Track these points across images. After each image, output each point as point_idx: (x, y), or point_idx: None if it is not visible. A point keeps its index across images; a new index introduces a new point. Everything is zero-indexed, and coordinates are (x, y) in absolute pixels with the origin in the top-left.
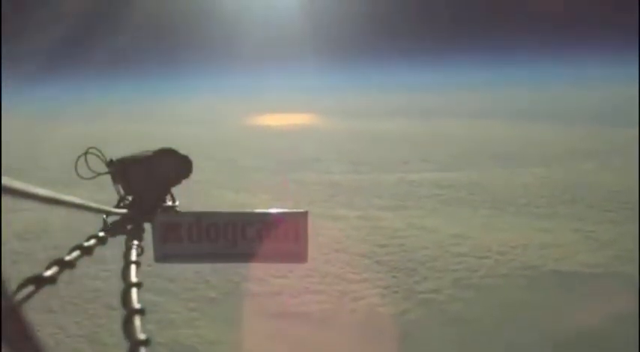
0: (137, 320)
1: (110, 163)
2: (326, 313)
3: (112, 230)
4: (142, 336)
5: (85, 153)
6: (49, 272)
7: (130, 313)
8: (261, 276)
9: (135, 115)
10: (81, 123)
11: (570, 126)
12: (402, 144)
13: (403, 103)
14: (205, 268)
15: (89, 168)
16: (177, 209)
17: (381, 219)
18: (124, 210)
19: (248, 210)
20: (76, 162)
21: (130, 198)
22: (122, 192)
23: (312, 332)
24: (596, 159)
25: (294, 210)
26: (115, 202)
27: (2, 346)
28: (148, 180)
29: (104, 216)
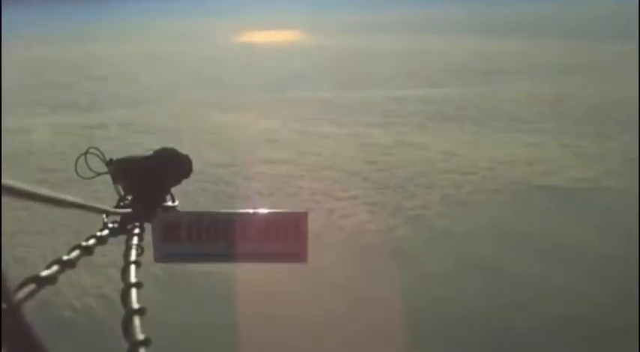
0: (137, 320)
1: (110, 163)
2: (314, 231)
3: (112, 230)
4: (141, 336)
5: (85, 153)
6: (49, 272)
7: (129, 313)
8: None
9: (120, 35)
10: (68, 44)
11: (556, 40)
12: (388, 60)
13: (390, 19)
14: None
15: (89, 168)
16: (177, 209)
17: (369, 136)
18: (124, 210)
19: (247, 210)
20: (76, 162)
21: (129, 197)
22: (122, 192)
23: None
24: (582, 73)
25: (294, 211)
26: (115, 202)
27: (2, 346)
28: (147, 179)
29: (104, 216)
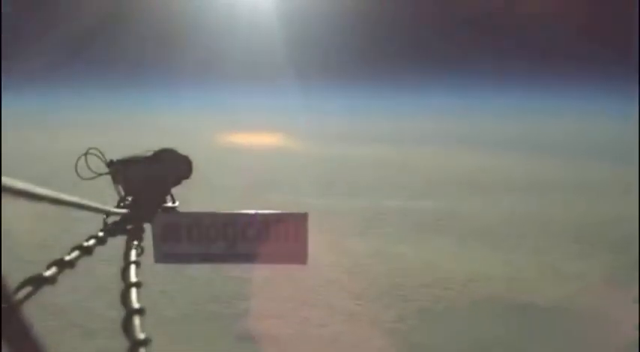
0: (137, 320)
1: (110, 164)
2: (289, 338)
3: (112, 230)
4: (141, 336)
5: (86, 154)
6: (49, 272)
7: (129, 313)
8: (226, 298)
9: (106, 127)
10: (52, 133)
11: (540, 157)
12: (373, 169)
13: (378, 128)
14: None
15: (89, 168)
16: (177, 209)
17: (348, 245)
18: (124, 210)
19: (247, 211)
20: (77, 162)
21: (130, 198)
22: (122, 192)
23: None
24: (563, 191)
25: (294, 211)
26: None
27: (2, 346)
28: (147, 180)
29: (104, 216)
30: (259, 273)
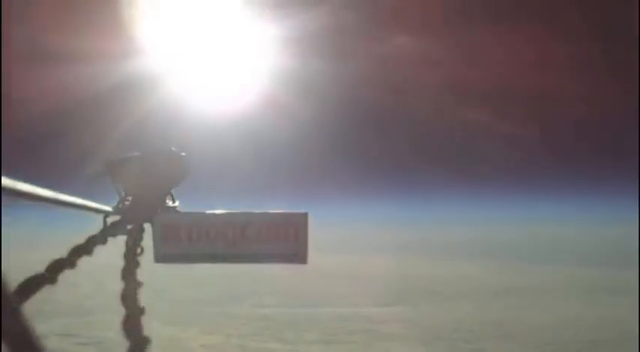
0: (137, 320)
1: (110, 164)
2: None
3: (112, 230)
4: (141, 336)
5: (85, 154)
6: (48, 273)
7: (130, 313)
8: None
9: (64, 241)
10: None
11: (500, 263)
12: (334, 277)
13: (338, 238)
14: None
15: (89, 168)
16: (177, 209)
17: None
18: (124, 210)
19: (247, 211)
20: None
21: (129, 198)
22: (122, 192)
23: None
24: (523, 295)
25: (294, 211)
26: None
27: (2, 346)
28: (148, 180)
29: (104, 216)
30: None
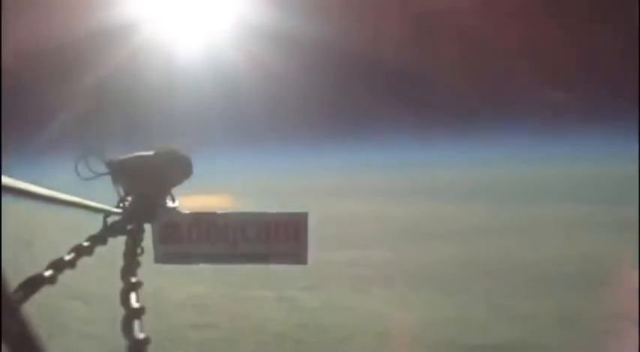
0: (137, 320)
1: (110, 164)
2: None
3: (112, 230)
4: (141, 335)
5: (85, 154)
6: (48, 272)
7: (129, 313)
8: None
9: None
10: None
11: (484, 203)
12: (318, 224)
13: (320, 184)
14: None
15: (89, 168)
16: (177, 209)
17: (299, 299)
18: (124, 210)
19: (247, 211)
20: (77, 162)
21: (130, 198)
22: (122, 192)
23: None
24: (510, 234)
25: (294, 211)
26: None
27: (2, 346)
28: (148, 180)
29: (104, 216)
30: None
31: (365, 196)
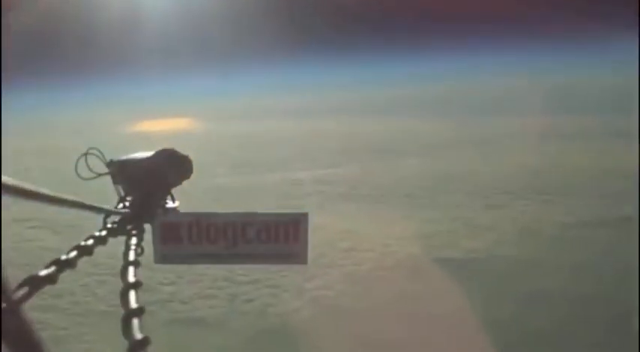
0: (137, 320)
1: (110, 164)
2: (218, 318)
3: (112, 230)
4: (141, 336)
5: (85, 154)
6: (48, 272)
7: (129, 313)
8: (151, 284)
9: (6, 130)
10: None
11: (445, 118)
12: (283, 144)
13: (283, 104)
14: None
15: (89, 168)
16: (177, 209)
17: None
18: (124, 210)
19: (247, 211)
20: (76, 162)
21: (130, 198)
22: (122, 192)
23: (206, 338)
24: (470, 148)
25: (294, 212)
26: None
27: (2, 346)
28: (148, 180)
29: (104, 216)
30: None
31: (326, 113)
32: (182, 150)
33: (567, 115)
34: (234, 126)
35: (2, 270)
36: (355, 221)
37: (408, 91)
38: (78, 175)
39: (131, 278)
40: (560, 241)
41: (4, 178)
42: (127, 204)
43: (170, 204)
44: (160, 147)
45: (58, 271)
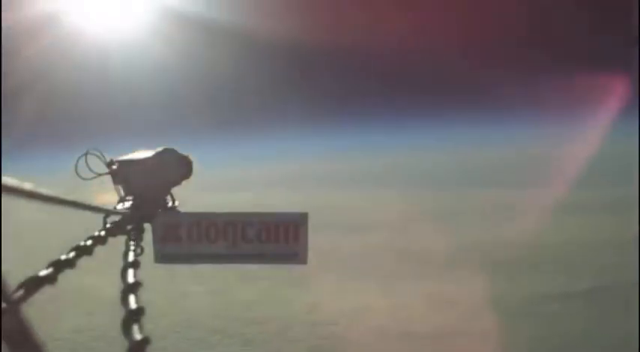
0: (137, 320)
1: (111, 164)
2: None
3: (112, 230)
4: (141, 336)
5: (85, 154)
6: (48, 272)
7: (129, 313)
8: None
9: None
10: None
11: (412, 190)
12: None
13: (241, 176)
14: None
15: (89, 168)
16: (177, 209)
17: (233, 292)
18: (124, 210)
19: (247, 211)
20: (76, 162)
21: (130, 198)
22: (122, 192)
23: None
24: (434, 221)
25: (294, 211)
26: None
27: (2, 346)
28: (148, 180)
29: (104, 215)
30: None
31: (288, 185)
32: None
33: (536, 188)
34: (203, 197)
35: (2, 270)
36: (322, 293)
37: (372, 162)
38: (78, 175)
39: (131, 279)
40: (527, 315)
41: (4, 178)
42: (127, 204)
43: (170, 204)
44: (160, 147)
45: (58, 271)
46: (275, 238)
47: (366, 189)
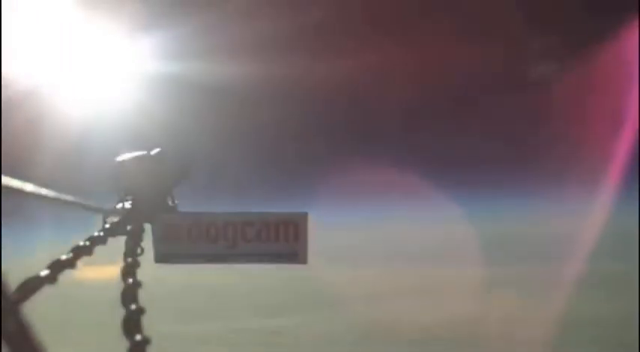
0: (137, 320)
1: (110, 163)
2: None
3: (112, 230)
4: (141, 336)
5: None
6: (49, 272)
7: (129, 313)
8: None
9: None
10: None
11: (385, 265)
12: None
13: None
14: None
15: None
16: (177, 209)
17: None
18: (124, 210)
19: (247, 211)
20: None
21: (129, 198)
22: (122, 192)
23: None
24: (413, 297)
25: (294, 211)
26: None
27: (2, 346)
28: (148, 180)
29: (104, 215)
30: None
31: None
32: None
33: (520, 265)
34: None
35: (2, 270)
36: None
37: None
38: (78, 175)
39: (132, 279)
40: None
41: (4, 178)
42: (127, 203)
43: (170, 204)
44: (160, 147)
45: (58, 271)
46: (275, 238)
47: (337, 265)
